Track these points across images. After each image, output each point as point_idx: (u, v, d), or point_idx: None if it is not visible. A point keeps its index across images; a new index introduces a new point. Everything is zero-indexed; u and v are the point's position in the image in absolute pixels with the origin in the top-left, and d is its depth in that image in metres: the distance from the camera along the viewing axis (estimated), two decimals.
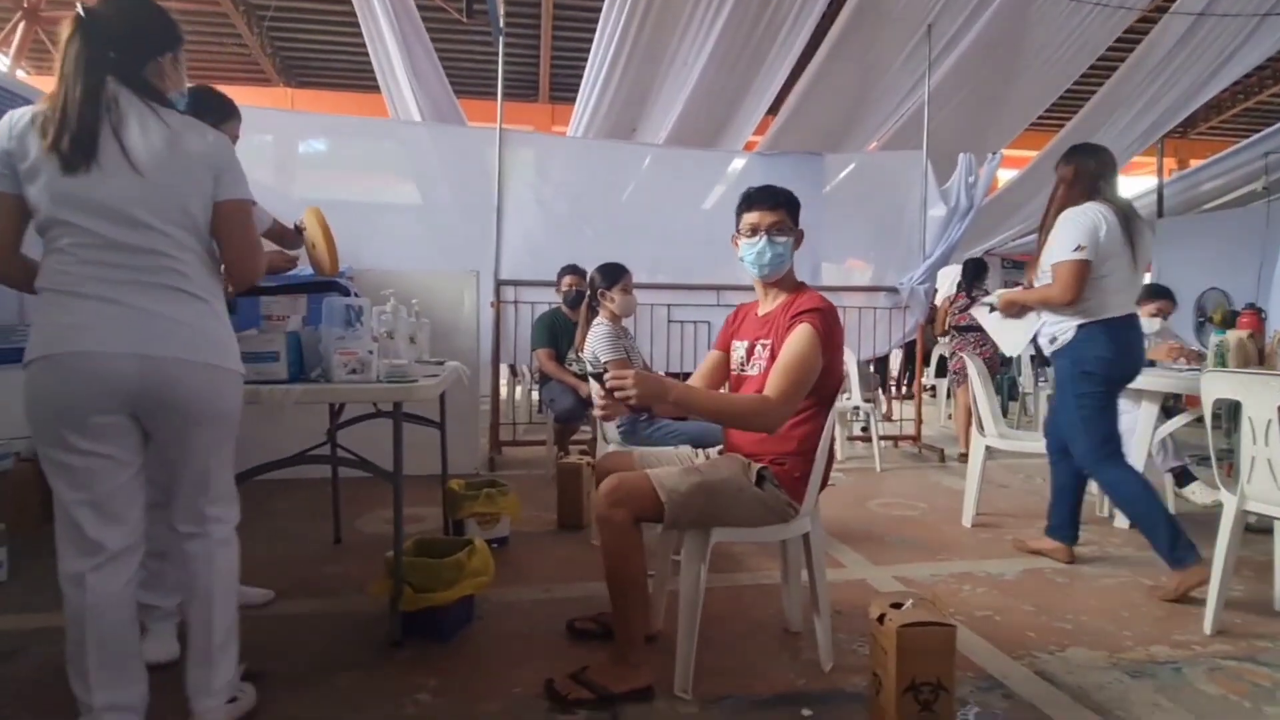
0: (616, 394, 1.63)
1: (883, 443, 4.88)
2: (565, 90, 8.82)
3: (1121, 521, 3.26)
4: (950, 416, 6.12)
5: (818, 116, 6.34)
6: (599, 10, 5.53)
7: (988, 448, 3.30)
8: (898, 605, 1.59)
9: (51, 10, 6.94)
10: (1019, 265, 10.32)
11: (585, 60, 6.05)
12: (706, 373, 2.06)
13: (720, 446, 2.07)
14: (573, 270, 4.25)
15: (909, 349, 6.62)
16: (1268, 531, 2.57)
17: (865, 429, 5.17)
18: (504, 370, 5.60)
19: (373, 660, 1.93)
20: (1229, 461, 2.87)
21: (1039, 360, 5.78)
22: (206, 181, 1.49)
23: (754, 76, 5.97)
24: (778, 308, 1.94)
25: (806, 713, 1.70)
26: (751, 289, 2.05)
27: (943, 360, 6.79)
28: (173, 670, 1.67)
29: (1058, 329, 2.61)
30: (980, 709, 1.72)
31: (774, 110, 6.74)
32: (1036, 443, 3.39)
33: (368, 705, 1.72)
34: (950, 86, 6.07)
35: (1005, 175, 8.02)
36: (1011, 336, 2.89)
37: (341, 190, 5.34)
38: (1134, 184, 9.52)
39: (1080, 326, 2.54)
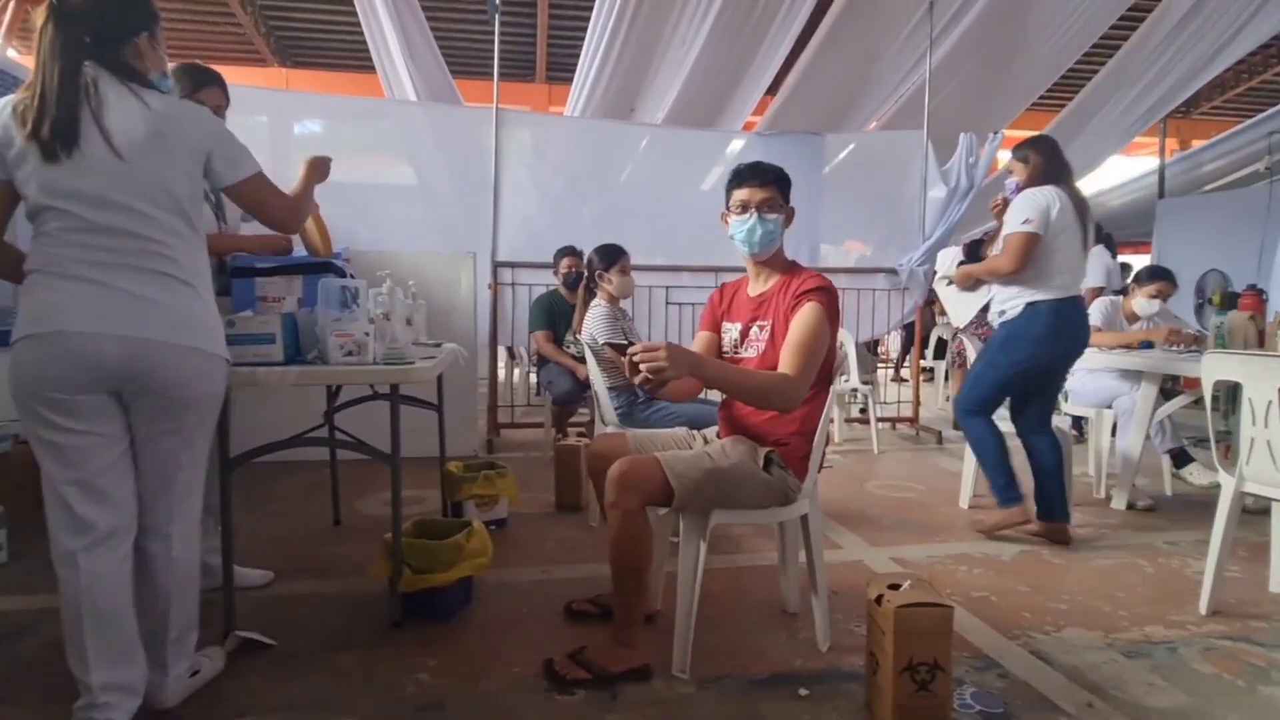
0: (648, 368, 1.58)
1: (880, 425, 4.88)
2: (562, 70, 8.72)
3: (1118, 503, 3.28)
4: (949, 399, 6.14)
5: (817, 96, 6.27)
6: None
7: None
8: (895, 586, 1.60)
9: None
10: None
11: (582, 40, 5.97)
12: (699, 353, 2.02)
13: (715, 428, 2.06)
14: (570, 252, 4.23)
15: (908, 330, 6.61)
16: (1264, 513, 2.58)
17: (864, 410, 5.18)
18: (502, 352, 5.59)
19: (372, 640, 1.94)
20: (1227, 443, 2.87)
21: None
22: (194, 163, 1.49)
23: (753, 56, 5.89)
24: (773, 288, 1.92)
25: (803, 692, 1.71)
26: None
27: (941, 342, 6.79)
28: None
29: (1008, 304, 2.76)
30: (976, 688, 1.73)
31: (773, 90, 6.66)
32: None
33: (368, 684, 1.73)
34: (951, 66, 5.99)
35: (1006, 156, 7.95)
36: (963, 309, 3.07)
37: (337, 171, 5.18)
38: (1136, 164, 9.45)
39: (1028, 304, 2.69)
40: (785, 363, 1.77)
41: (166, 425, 1.49)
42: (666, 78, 6.05)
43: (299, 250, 2.35)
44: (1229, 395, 3.29)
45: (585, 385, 3.62)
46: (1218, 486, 2.22)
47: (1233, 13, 5.86)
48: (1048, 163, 2.77)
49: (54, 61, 1.38)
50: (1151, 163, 8.39)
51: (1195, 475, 3.55)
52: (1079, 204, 2.71)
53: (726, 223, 1.96)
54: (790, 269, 1.95)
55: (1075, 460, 3.18)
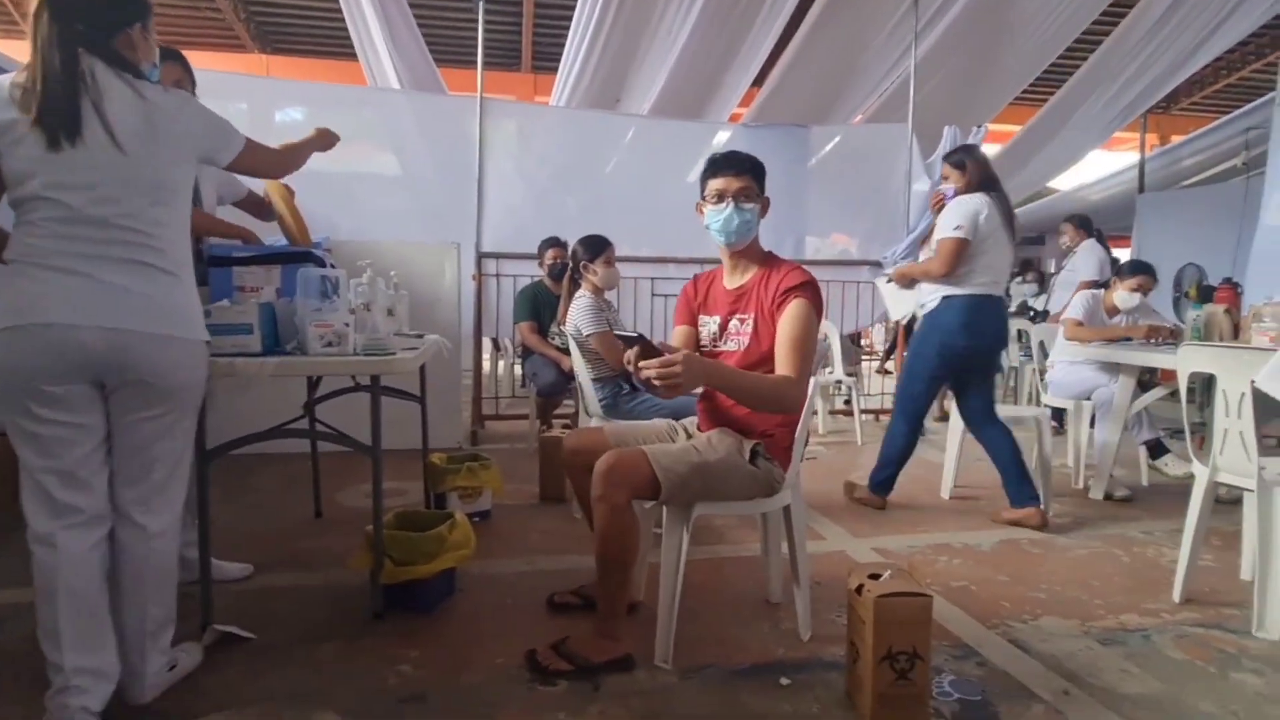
0: (663, 380, 1.56)
1: (864, 416, 4.91)
2: (548, 60, 8.64)
3: (1096, 493, 3.32)
4: None
5: (803, 88, 6.26)
6: None
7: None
8: (875, 576, 1.61)
9: None
10: None
11: (568, 29, 5.91)
12: (678, 348, 2.00)
13: (695, 419, 2.06)
14: (555, 243, 4.21)
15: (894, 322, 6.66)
16: (1237, 503, 2.63)
17: (848, 402, 5.21)
18: (487, 344, 5.56)
19: (354, 632, 1.93)
20: (1201, 434, 2.92)
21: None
22: (186, 153, 1.52)
23: (739, 47, 5.87)
24: (751, 280, 1.92)
25: (785, 681, 1.72)
26: None
27: None
28: None
29: (929, 297, 2.98)
30: (955, 677, 1.75)
31: (759, 82, 6.64)
32: (1015, 412, 3.43)
33: (349, 677, 1.72)
34: (936, 59, 6.00)
35: (990, 149, 7.99)
36: (901, 306, 3.29)
37: (319, 159, 5.17)
38: (1117, 159, 9.53)
39: (945, 297, 2.89)
40: (783, 364, 1.77)
41: (147, 413, 1.48)
42: (652, 68, 6.02)
43: (279, 239, 2.32)
44: (1204, 387, 3.34)
45: (570, 377, 3.61)
46: (1192, 477, 2.26)
47: (1212, 10, 5.91)
48: (980, 171, 2.96)
49: (52, 50, 1.37)
50: (1132, 157, 8.46)
51: (1171, 466, 3.61)
52: (1006, 210, 2.92)
53: (702, 213, 1.94)
54: (767, 260, 1.94)
55: (1055, 451, 3.22)
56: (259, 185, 2.38)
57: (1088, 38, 6.55)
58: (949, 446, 3.35)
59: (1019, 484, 2.87)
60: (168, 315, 1.47)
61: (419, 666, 1.77)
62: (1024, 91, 7.19)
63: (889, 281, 3.24)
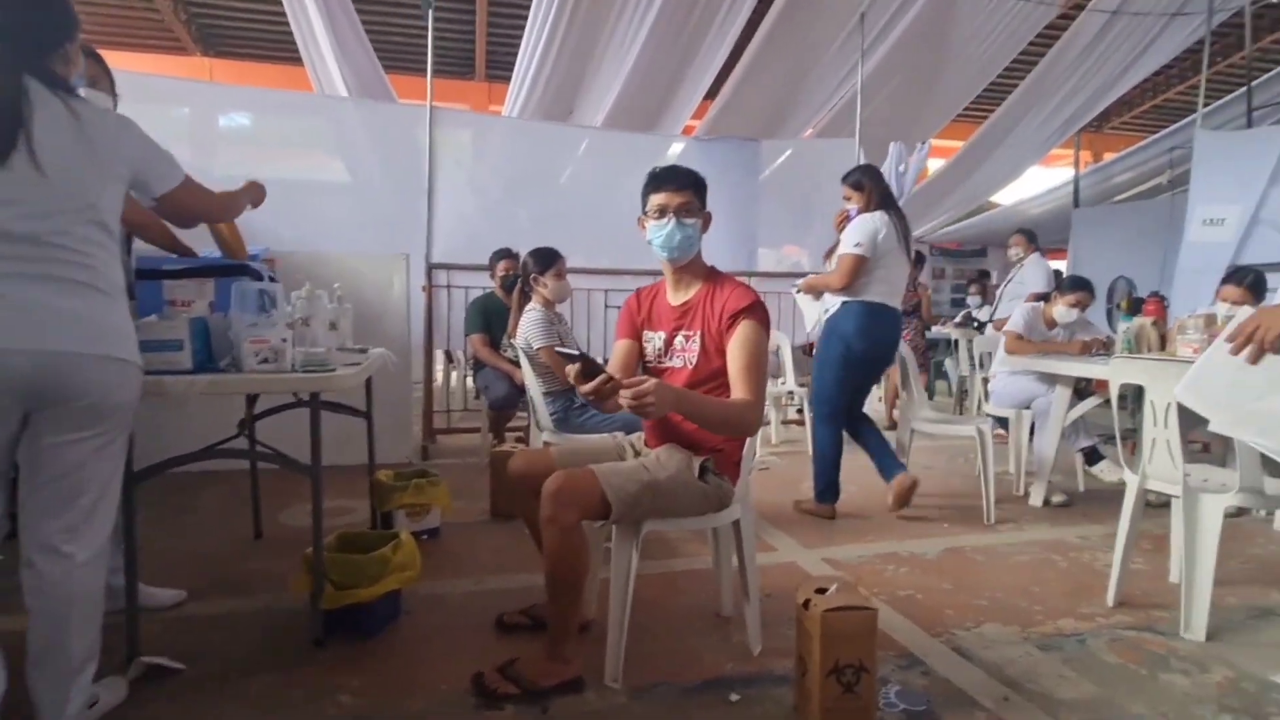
0: (633, 406, 1.55)
1: None
2: (502, 68, 8.59)
3: (1035, 499, 3.43)
4: (880, 399, 6.33)
5: (754, 101, 6.37)
6: None
7: (912, 430, 3.40)
8: (822, 590, 1.62)
9: None
10: (947, 253, 10.76)
11: (521, 38, 5.89)
12: (621, 363, 1.98)
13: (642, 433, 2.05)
14: (507, 254, 4.17)
15: None
16: (1167, 505, 2.74)
17: (800, 411, 5.27)
18: (440, 356, 5.47)
19: (292, 661, 1.86)
20: (1134, 440, 3.04)
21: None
22: (119, 174, 1.48)
23: (691, 60, 5.94)
24: (696, 296, 1.92)
25: (734, 697, 1.72)
26: None
27: None
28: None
29: (831, 305, 3.21)
30: (901, 687, 1.77)
31: (712, 94, 6.73)
32: (960, 426, 3.53)
33: (284, 708, 1.66)
34: (881, 77, 6.18)
35: (933, 164, 8.26)
36: (811, 313, 3.50)
37: (264, 167, 5.07)
38: (1053, 175, 9.93)
39: (843, 304, 3.12)
40: (740, 387, 1.78)
41: (76, 435, 1.41)
42: (606, 79, 6.04)
43: (213, 251, 2.24)
44: (1136, 395, 3.48)
45: (522, 390, 3.57)
46: (1125, 483, 2.35)
47: (1137, 35, 6.23)
48: (878, 191, 3.18)
49: None
50: (1068, 173, 8.83)
51: (1106, 472, 3.75)
52: (903, 229, 3.16)
53: (644, 227, 1.93)
54: (710, 276, 1.94)
55: (996, 459, 3.31)
56: None
57: (1025, 58, 6.83)
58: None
59: (892, 460, 3.17)
60: (106, 335, 1.42)
61: (360, 695, 1.72)
62: (966, 109, 7.45)
63: (799, 291, 3.47)
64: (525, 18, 5.69)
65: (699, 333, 1.88)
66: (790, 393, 5.00)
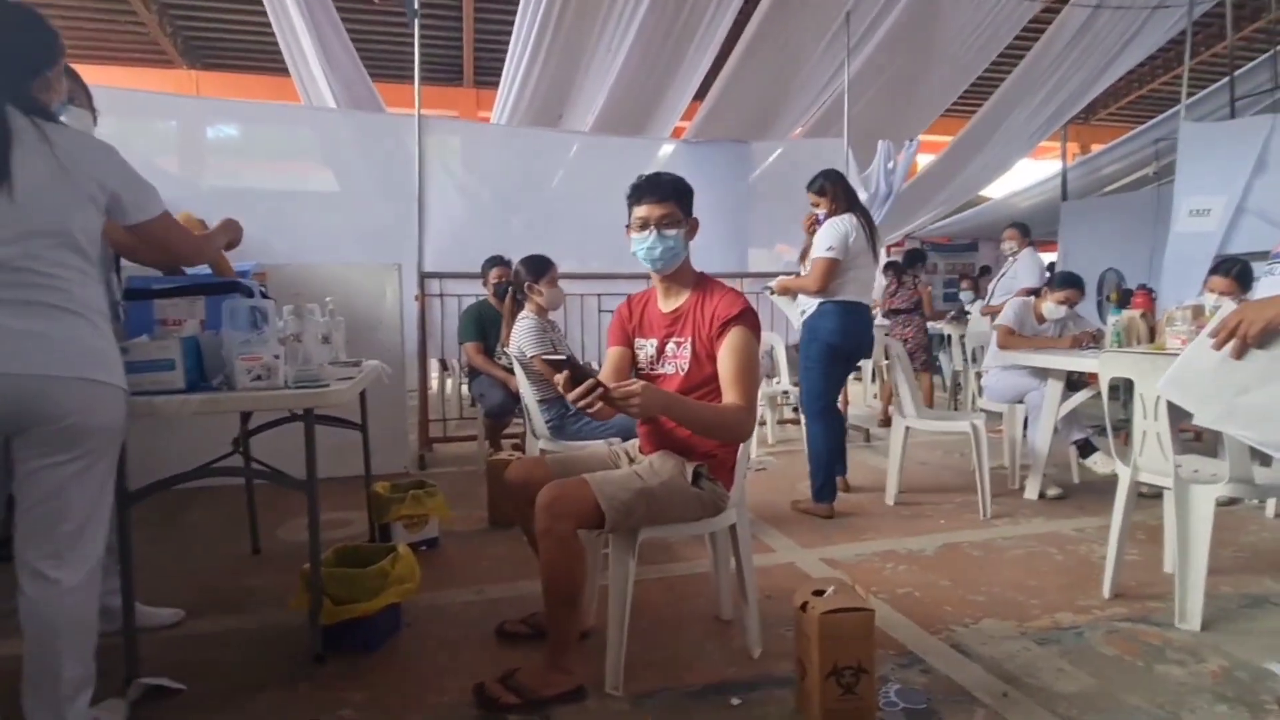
0: (621, 403, 1.59)
1: None
2: (490, 75, 8.58)
3: (1031, 493, 3.45)
4: (876, 396, 6.35)
5: (743, 103, 6.37)
6: None
7: (907, 428, 3.42)
8: (820, 592, 1.63)
9: None
10: (938, 248, 10.79)
11: (509, 44, 5.89)
12: (613, 370, 1.99)
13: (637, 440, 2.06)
14: (499, 262, 4.17)
15: None
16: (1159, 496, 2.76)
17: (795, 410, 5.29)
18: (435, 365, 5.46)
19: (293, 677, 1.86)
20: (1125, 430, 3.06)
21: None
22: (95, 200, 1.46)
23: (679, 63, 5.94)
24: (686, 304, 1.92)
25: (735, 701, 1.73)
26: None
27: None
28: None
29: (808, 305, 3.31)
30: (901, 686, 1.78)
31: (701, 95, 6.74)
32: (955, 422, 3.55)
33: None
34: (868, 75, 6.20)
35: (922, 160, 8.29)
36: (790, 313, 3.59)
37: (253, 179, 5.08)
38: (1042, 167, 9.97)
39: (820, 304, 3.23)
40: (732, 394, 1.79)
41: (52, 459, 1.39)
42: (594, 85, 6.04)
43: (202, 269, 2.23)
44: (1127, 386, 3.50)
45: (517, 397, 3.57)
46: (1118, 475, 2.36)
47: (1122, 26, 6.26)
48: (843, 194, 3.29)
49: None
50: (1055, 166, 8.87)
51: (1099, 464, 3.77)
52: (870, 229, 3.26)
53: (630, 237, 1.94)
54: (700, 283, 1.94)
55: (991, 453, 3.33)
56: (193, 206, 2.28)
57: (1011, 53, 6.86)
58: (892, 452, 3.43)
59: (826, 481, 3.23)
60: (83, 357, 1.41)
61: (361, 710, 1.72)
62: (953, 104, 7.47)
63: (772, 294, 3.57)
64: (512, 23, 5.69)
65: (690, 339, 1.88)
66: (785, 392, 5.02)
